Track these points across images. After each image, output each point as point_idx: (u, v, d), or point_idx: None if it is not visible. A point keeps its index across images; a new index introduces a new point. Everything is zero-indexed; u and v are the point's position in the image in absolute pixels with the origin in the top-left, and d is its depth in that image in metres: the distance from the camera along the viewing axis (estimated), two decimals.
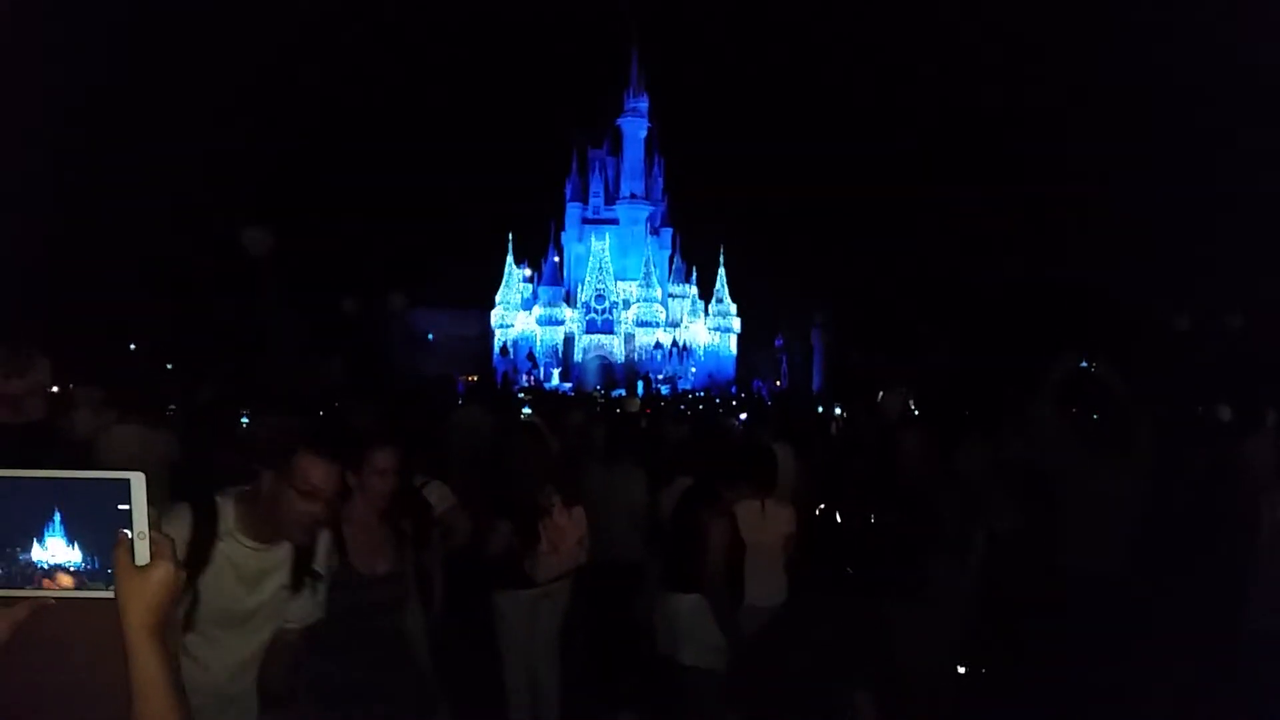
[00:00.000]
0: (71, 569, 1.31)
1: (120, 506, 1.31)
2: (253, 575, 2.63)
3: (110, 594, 1.31)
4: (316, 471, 2.54)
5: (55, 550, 1.30)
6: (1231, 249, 33.30)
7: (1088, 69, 43.38)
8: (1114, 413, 5.74)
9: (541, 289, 53.55)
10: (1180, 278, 33.38)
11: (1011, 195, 43.67)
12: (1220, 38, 32.22)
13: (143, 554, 1.31)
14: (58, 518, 1.30)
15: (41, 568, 1.30)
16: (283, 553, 2.70)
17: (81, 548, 1.31)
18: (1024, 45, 44.98)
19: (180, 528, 2.43)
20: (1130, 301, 33.94)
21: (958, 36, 50.39)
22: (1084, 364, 5.70)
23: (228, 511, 2.59)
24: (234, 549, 2.58)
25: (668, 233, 56.93)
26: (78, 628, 1.43)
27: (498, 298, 54.23)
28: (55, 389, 6.13)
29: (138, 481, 1.31)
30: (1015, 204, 42.75)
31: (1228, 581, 4.99)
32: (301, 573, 2.75)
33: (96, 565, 1.31)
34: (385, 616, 3.52)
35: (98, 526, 1.31)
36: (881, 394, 10.29)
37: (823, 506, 7.74)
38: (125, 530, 1.30)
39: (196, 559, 2.47)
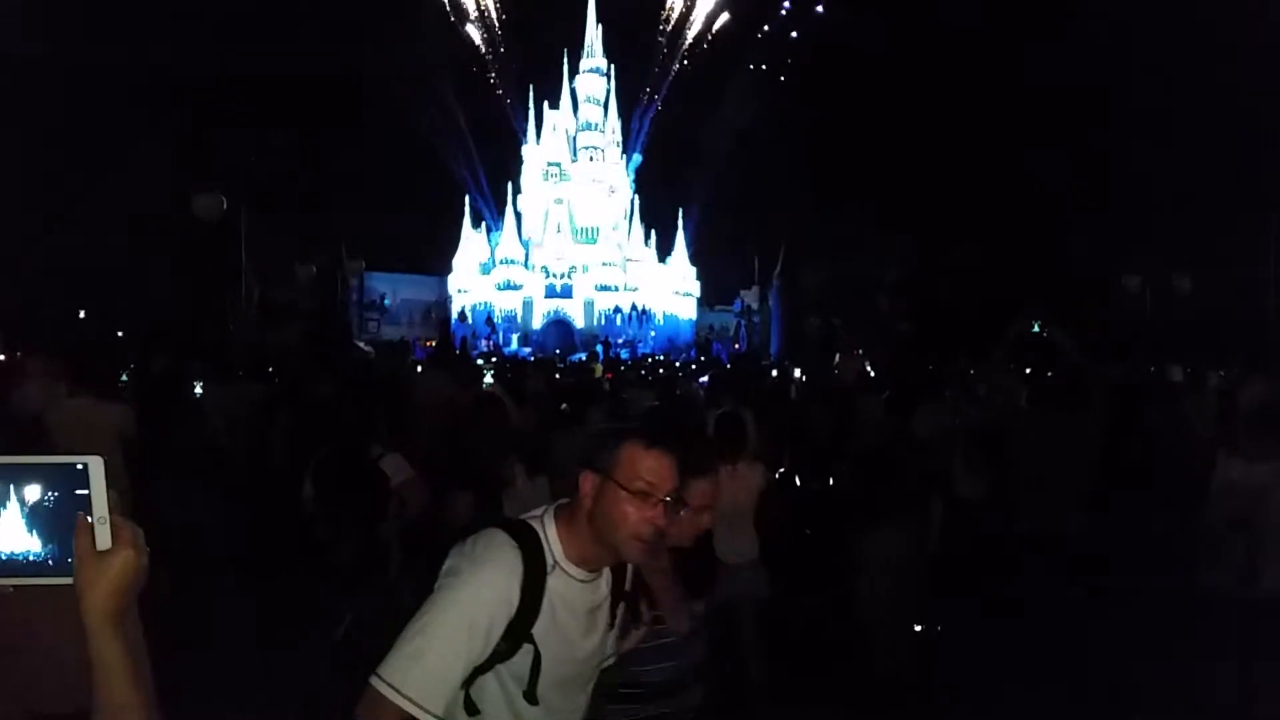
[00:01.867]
0: (30, 557, 1.29)
1: (79, 491, 1.29)
2: (586, 613, 2.16)
3: (70, 581, 1.29)
4: (645, 463, 2.07)
5: (12, 538, 1.28)
6: (1181, 212, 33.90)
7: (1039, 32, 43.58)
8: (1066, 373, 5.87)
9: (499, 253, 53.09)
10: (1131, 241, 33.94)
11: (965, 159, 43.93)
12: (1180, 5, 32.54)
13: (103, 539, 1.29)
14: (14, 504, 1.28)
15: None
16: (606, 581, 2.25)
17: (40, 534, 1.29)
18: (970, 12, 45.05)
19: (511, 564, 2.03)
20: (1082, 264, 34.47)
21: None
22: (1035, 328, 5.82)
23: (551, 536, 2.13)
24: (563, 584, 2.10)
25: (626, 196, 56.61)
26: (38, 616, 1.41)
27: (455, 262, 53.68)
28: (3, 357, 6.02)
29: (96, 466, 1.29)
30: (969, 167, 43.01)
31: (1178, 537, 5.12)
32: (618, 598, 2.28)
33: (56, 552, 1.29)
34: (696, 691, 2.89)
35: (56, 512, 1.28)
36: (838, 357, 10.42)
37: (782, 470, 7.84)
38: (86, 515, 1.29)
39: (531, 605, 2.02)
